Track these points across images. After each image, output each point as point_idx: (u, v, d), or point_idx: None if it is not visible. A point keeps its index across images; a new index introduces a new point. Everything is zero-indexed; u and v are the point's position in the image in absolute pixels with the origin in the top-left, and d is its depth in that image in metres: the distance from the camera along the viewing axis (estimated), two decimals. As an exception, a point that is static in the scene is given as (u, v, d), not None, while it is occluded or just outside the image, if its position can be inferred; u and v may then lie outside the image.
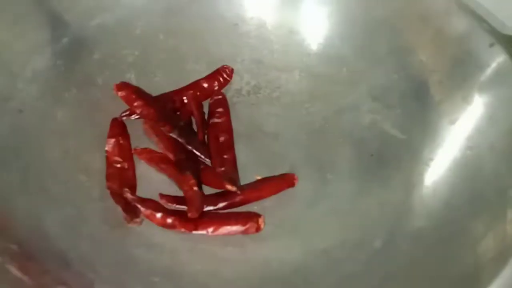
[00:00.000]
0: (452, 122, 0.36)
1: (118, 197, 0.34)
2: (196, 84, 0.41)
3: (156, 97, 0.39)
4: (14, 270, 0.26)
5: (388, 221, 0.34)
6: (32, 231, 0.30)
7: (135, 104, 0.38)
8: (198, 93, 0.40)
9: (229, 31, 0.42)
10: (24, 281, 0.26)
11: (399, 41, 0.39)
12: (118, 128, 0.37)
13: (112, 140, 0.36)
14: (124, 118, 0.38)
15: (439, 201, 0.34)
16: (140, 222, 0.33)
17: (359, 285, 0.31)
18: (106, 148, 0.36)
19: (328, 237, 0.34)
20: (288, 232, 0.35)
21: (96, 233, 0.32)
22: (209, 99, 0.40)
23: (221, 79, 0.41)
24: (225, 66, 0.41)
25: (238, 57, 0.42)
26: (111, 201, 0.34)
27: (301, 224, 0.35)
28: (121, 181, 0.35)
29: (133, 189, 0.35)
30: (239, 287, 0.31)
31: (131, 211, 0.33)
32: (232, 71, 0.41)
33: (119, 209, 0.33)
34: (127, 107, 0.38)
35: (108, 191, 0.34)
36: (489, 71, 0.35)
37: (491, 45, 0.35)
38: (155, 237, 0.33)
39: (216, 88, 0.41)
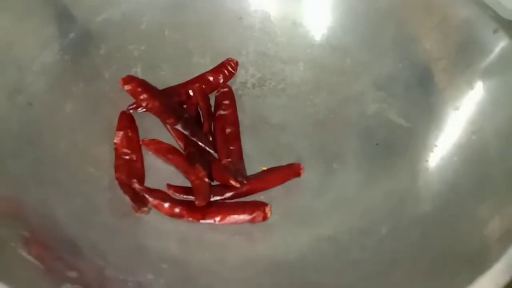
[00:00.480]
0: (457, 108, 0.37)
1: (126, 187, 0.35)
2: (201, 78, 0.41)
3: (162, 90, 0.40)
4: (27, 255, 0.26)
5: (394, 207, 0.34)
6: (43, 219, 0.30)
7: (141, 97, 0.38)
8: (203, 86, 0.41)
9: (234, 24, 0.43)
10: (37, 265, 0.26)
11: (403, 30, 0.39)
12: (127, 121, 0.38)
13: (121, 133, 0.37)
14: (131, 111, 0.39)
15: (445, 185, 0.34)
16: (148, 211, 0.34)
17: (367, 270, 0.31)
18: (115, 140, 0.37)
19: (335, 224, 0.34)
20: (294, 220, 0.35)
21: (106, 222, 0.33)
22: (215, 92, 0.41)
23: (226, 72, 0.41)
24: (229, 59, 0.42)
25: (243, 50, 0.43)
26: (119, 192, 0.34)
27: (308, 213, 0.35)
28: (129, 172, 0.35)
29: (141, 180, 0.36)
30: (246, 274, 0.32)
31: (139, 201, 0.34)
32: (236, 64, 0.42)
33: (127, 199, 0.34)
34: (133, 100, 0.39)
35: (116, 182, 0.35)
36: (492, 56, 0.35)
37: (495, 31, 0.35)
38: (163, 226, 0.33)
39: (221, 81, 0.41)
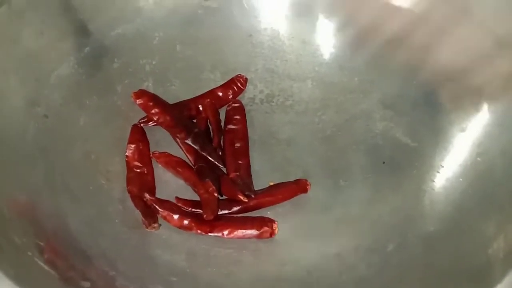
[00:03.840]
0: (463, 129, 0.37)
1: (138, 200, 0.35)
2: (211, 93, 0.42)
3: (173, 104, 0.40)
4: (43, 265, 0.27)
5: (400, 225, 0.35)
6: (57, 229, 0.31)
7: (152, 111, 0.39)
8: (213, 101, 0.41)
9: (244, 41, 0.44)
10: (52, 274, 0.27)
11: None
12: (138, 134, 0.39)
13: (133, 146, 0.38)
14: (142, 124, 0.40)
15: (450, 205, 0.35)
16: (158, 227, 0.34)
17: (373, 287, 0.31)
18: (127, 153, 0.37)
19: (341, 241, 0.35)
20: (301, 236, 0.35)
21: (117, 233, 0.33)
22: (226, 106, 0.42)
23: (235, 88, 0.42)
24: (239, 76, 0.43)
25: (252, 66, 0.43)
26: (130, 203, 0.35)
27: (315, 229, 0.36)
28: (141, 185, 0.36)
29: (152, 193, 0.36)
30: (253, 288, 0.32)
31: (149, 216, 0.34)
32: (246, 80, 0.43)
33: (138, 212, 0.34)
34: (145, 114, 0.39)
35: (127, 194, 0.35)
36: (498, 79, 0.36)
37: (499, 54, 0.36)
38: (173, 239, 0.34)
39: (231, 96, 0.42)
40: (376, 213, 0.36)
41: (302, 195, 0.37)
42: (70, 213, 0.33)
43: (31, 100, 0.36)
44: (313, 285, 0.32)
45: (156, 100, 0.39)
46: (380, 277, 0.32)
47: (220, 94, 0.42)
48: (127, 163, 0.37)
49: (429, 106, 0.39)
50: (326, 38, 0.43)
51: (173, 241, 0.34)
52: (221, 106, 0.42)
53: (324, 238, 0.35)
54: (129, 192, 0.35)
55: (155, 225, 0.34)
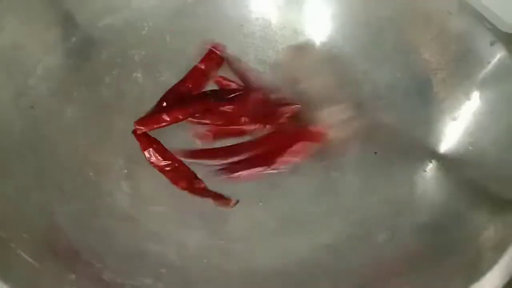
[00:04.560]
0: (455, 118, 0.37)
1: (200, 191, 0.36)
2: (194, 70, 0.41)
3: (163, 96, 0.40)
4: (27, 257, 0.26)
5: (391, 216, 0.35)
6: (43, 221, 0.31)
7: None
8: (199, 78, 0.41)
9: (235, 32, 0.43)
10: (36, 266, 0.26)
11: (403, 40, 0.40)
12: (145, 138, 0.38)
13: (149, 151, 0.37)
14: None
15: (442, 195, 0.34)
16: (235, 204, 0.35)
17: (364, 278, 0.31)
18: (151, 160, 0.37)
19: (332, 232, 0.35)
20: (292, 227, 0.35)
21: (105, 225, 0.33)
22: None
23: (215, 56, 0.42)
24: (214, 45, 0.42)
25: (244, 57, 0.43)
26: (119, 196, 0.35)
27: (306, 220, 0.36)
28: (186, 178, 0.36)
29: (194, 177, 0.37)
30: (244, 281, 0.32)
31: (220, 198, 0.35)
32: (223, 47, 0.42)
33: (126, 204, 0.34)
34: (132, 107, 0.39)
35: (115, 185, 0.35)
36: (490, 68, 0.36)
37: (492, 43, 0.36)
38: (163, 231, 0.34)
39: (215, 65, 0.42)
40: (367, 204, 0.36)
41: (293, 186, 0.37)
42: (57, 206, 0.32)
43: (17, 92, 0.35)
44: (303, 277, 0.32)
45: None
46: (371, 268, 0.32)
47: (203, 67, 0.41)
48: (157, 167, 0.37)
49: (421, 95, 0.38)
50: (318, 28, 0.43)
51: (163, 233, 0.34)
52: (208, 80, 0.41)
53: (316, 229, 0.35)
54: (186, 189, 0.36)
55: (231, 202, 0.35)
